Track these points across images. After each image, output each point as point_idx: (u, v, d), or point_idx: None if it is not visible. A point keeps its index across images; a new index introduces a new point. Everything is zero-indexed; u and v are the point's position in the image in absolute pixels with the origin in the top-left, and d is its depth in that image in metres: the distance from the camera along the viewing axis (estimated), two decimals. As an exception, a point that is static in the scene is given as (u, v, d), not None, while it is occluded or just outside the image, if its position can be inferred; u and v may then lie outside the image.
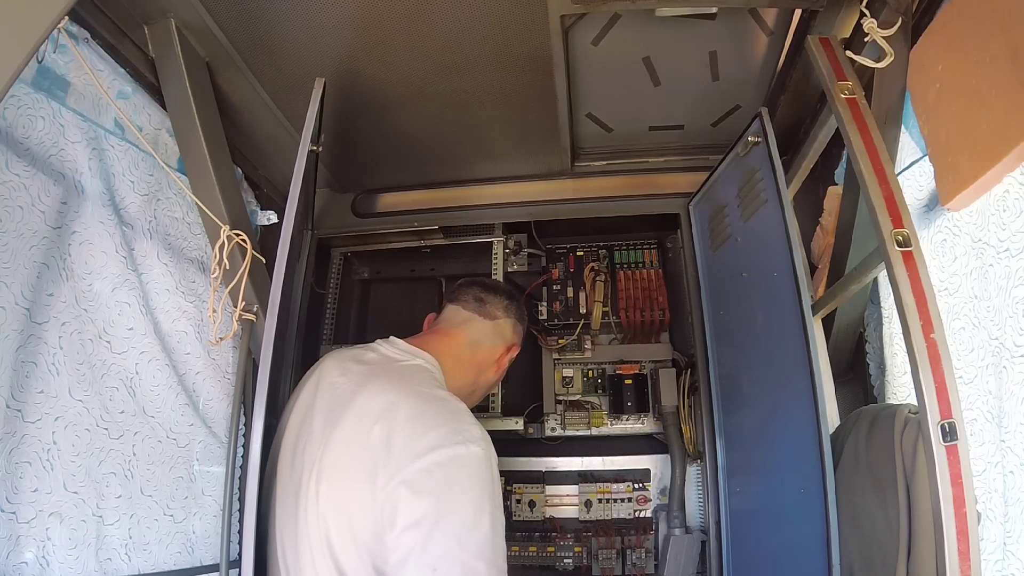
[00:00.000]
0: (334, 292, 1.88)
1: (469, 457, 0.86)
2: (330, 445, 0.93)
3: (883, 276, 1.14)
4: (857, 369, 1.40)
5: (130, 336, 1.19)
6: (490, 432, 1.66)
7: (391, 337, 1.15)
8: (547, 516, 1.72)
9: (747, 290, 1.35)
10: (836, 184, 1.43)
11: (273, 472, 1.02)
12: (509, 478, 1.74)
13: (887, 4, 1.01)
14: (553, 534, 1.68)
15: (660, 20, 1.21)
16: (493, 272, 1.77)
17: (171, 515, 1.25)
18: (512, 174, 1.77)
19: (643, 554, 1.63)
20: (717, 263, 1.52)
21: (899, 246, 0.87)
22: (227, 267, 1.25)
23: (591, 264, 1.79)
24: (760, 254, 1.28)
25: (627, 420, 1.73)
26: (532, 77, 1.34)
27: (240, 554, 0.96)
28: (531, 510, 1.71)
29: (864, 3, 1.04)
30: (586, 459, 1.75)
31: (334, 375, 1.05)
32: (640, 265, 1.80)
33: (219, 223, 1.26)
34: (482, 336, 1.19)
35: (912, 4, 1.04)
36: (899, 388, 1.16)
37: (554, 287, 1.78)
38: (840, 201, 1.32)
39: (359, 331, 1.95)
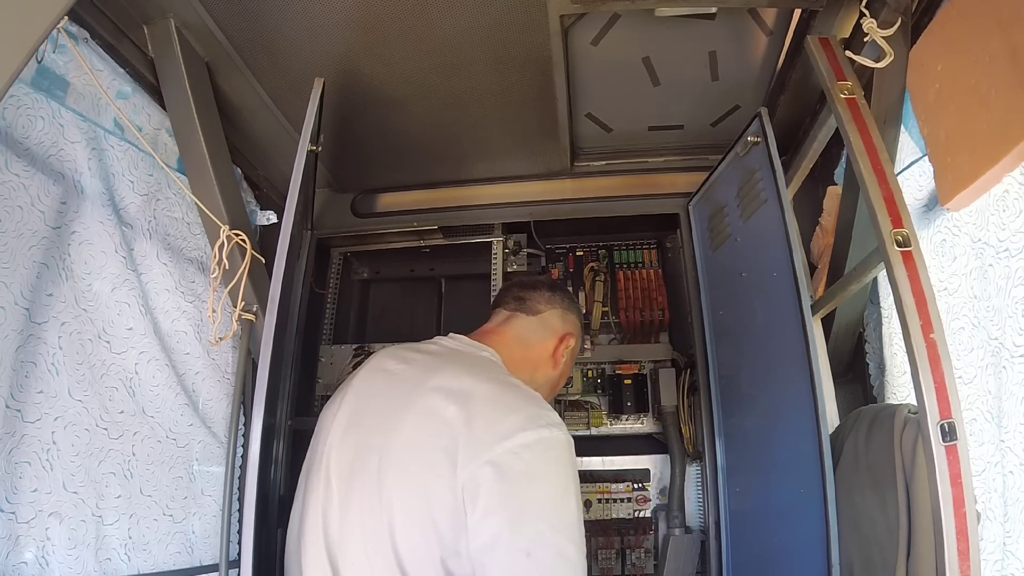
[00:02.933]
0: (334, 292, 1.88)
1: (553, 440, 0.85)
2: (400, 430, 0.89)
3: (883, 276, 1.14)
4: (857, 369, 1.40)
5: (130, 336, 1.19)
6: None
7: (451, 333, 1.11)
8: (547, 516, 1.72)
9: (747, 290, 1.35)
10: (836, 184, 1.43)
11: (315, 467, 0.95)
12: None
13: (887, 4, 1.01)
14: (553, 534, 1.68)
15: (660, 20, 1.21)
16: (493, 272, 1.77)
17: (170, 515, 1.26)
18: (512, 174, 1.77)
19: (642, 554, 1.63)
20: (717, 263, 1.52)
21: (899, 246, 0.87)
22: (227, 267, 1.25)
23: (590, 264, 1.79)
24: (760, 254, 1.28)
25: (626, 420, 1.73)
26: (531, 77, 1.34)
27: (240, 554, 0.96)
28: (531, 510, 1.70)
29: (864, 3, 1.04)
30: (585, 459, 1.75)
31: (390, 363, 1.01)
32: (639, 265, 1.80)
33: (219, 223, 1.26)
34: (529, 332, 1.14)
35: (912, 4, 1.04)
36: (899, 388, 1.16)
37: (554, 287, 1.77)
38: (840, 201, 1.32)
39: (359, 331, 1.95)
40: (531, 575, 0.76)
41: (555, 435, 0.85)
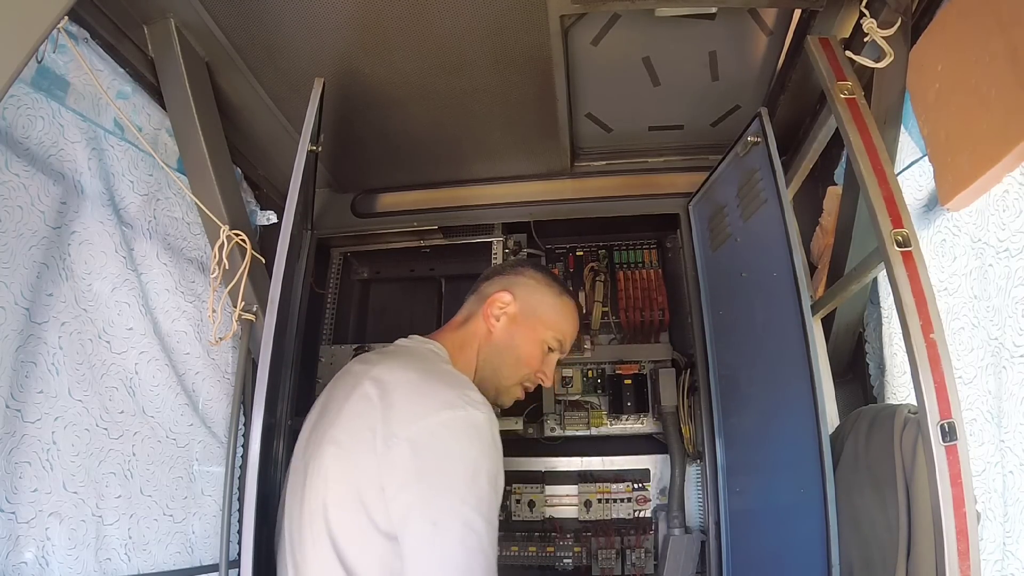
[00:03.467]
0: (334, 292, 1.88)
1: (469, 419, 0.88)
2: (341, 415, 0.95)
3: (883, 276, 1.14)
4: (857, 369, 1.40)
5: (130, 336, 1.19)
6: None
7: (411, 335, 1.15)
8: (547, 516, 1.72)
9: (747, 290, 1.35)
10: (836, 184, 1.43)
11: (292, 467, 1.02)
12: (509, 478, 1.73)
13: (887, 4, 1.01)
14: (553, 534, 1.68)
15: (660, 20, 1.21)
16: (493, 272, 1.77)
17: (171, 515, 1.26)
18: (512, 174, 1.77)
19: (643, 554, 1.62)
20: (717, 263, 1.52)
21: (899, 246, 0.87)
22: (227, 267, 1.25)
23: (591, 264, 1.79)
24: (760, 254, 1.28)
25: (627, 420, 1.73)
26: (532, 77, 1.34)
27: (240, 554, 0.96)
28: (531, 510, 1.71)
29: (864, 3, 1.04)
30: (586, 459, 1.75)
31: (356, 366, 1.07)
32: (640, 265, 1.80)
33: (219, 223, 1.26)
34: (470, 308, 1.18)
35: (912, 4, 1.04)
36: (899, 388, 1.16)
37: (554, 287, 1.77)
38: (840, 201, 1.32)
39: (359, 331, 1.95)
40: (436, 543, 0.82)
41: (471, 414, 0.89)
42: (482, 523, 0.83)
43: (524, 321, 1.14)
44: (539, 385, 1.79)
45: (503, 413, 1.65)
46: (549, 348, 1.17)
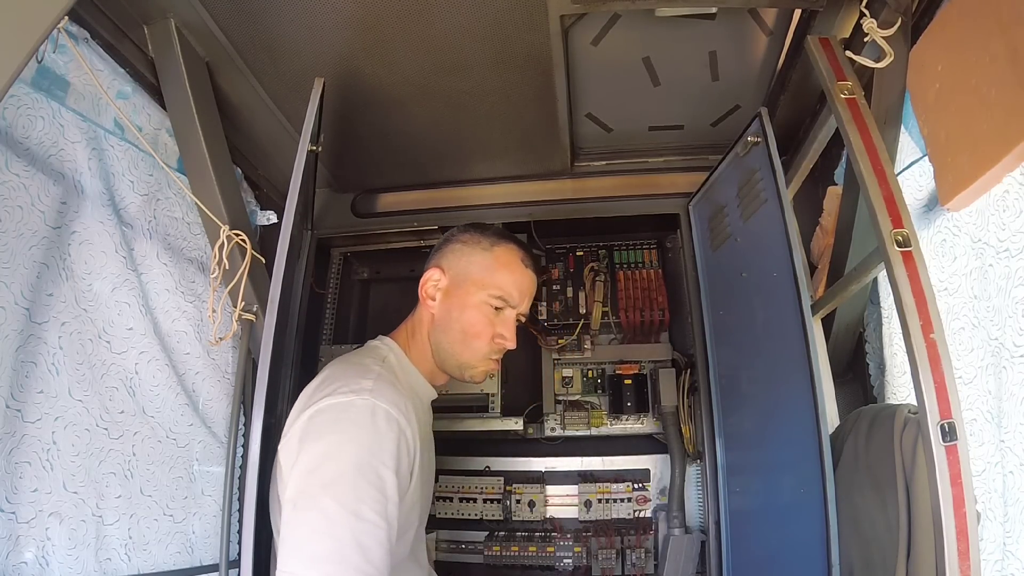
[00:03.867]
0: (334, 292, 1.88)
1: (348, 404, 0.88)
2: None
3: (883, 276, 1.14)
4: (857, 369, 1.40)
5: (130, 336, 1.19)
6: (490, 432, 1.66)
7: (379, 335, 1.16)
8: (547, 516, 1.72)
9: (747, 290, 1.35)
10: (836, 184, 1.43)
11: None
12: (509, 478, 1.75)
13: (887, 4, 1.01)
14: (553, 534, 1.68)
15: (660, 20, 1.21)
16: (493, 272, 1.77)
17: (171, 515, 1.26)
18: (512, 174, 1.77)
19: (643, 554, 1.63)
20: (717, 263, 1.52)
21: (899, 246, 0.87)
22: (227, 267, 1.25)
23: (591, 264, 1.79)
24: (760, 254, 1.28)
25: (627, 420, 1.73)
26: (532, 77, 1.34)
27: (240, 554, 0.96)
28: (531, 510, 1.71)
29: (864, 3, 1.04)
30: (586, 459, 1.76)
31: None
32: (640, 265, 1.80)
33: (219, 223, 1.26)
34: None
35: (912, 4, 1.04)
36: (899, 388, 1.16)
37: (554, 287, 1.78)
38: (840, 201, 1.32)
39: (359, 331, 1.95)
40: (291, 524, 0.81)
41: (350, 399, 0.89)
42: (335, 508, 0.79)
43: (456, 291, 1.08)
44: (540, 385, 1.80)
45: (504, 413, 1.65)
46: (496, 308, 1.07)
